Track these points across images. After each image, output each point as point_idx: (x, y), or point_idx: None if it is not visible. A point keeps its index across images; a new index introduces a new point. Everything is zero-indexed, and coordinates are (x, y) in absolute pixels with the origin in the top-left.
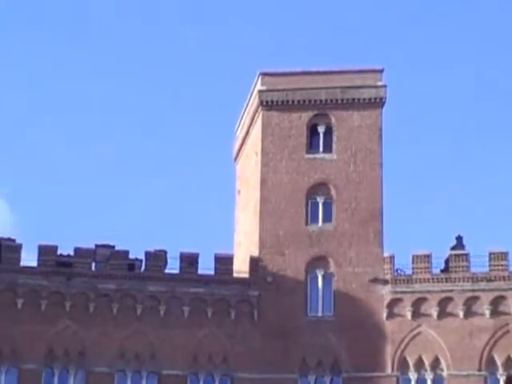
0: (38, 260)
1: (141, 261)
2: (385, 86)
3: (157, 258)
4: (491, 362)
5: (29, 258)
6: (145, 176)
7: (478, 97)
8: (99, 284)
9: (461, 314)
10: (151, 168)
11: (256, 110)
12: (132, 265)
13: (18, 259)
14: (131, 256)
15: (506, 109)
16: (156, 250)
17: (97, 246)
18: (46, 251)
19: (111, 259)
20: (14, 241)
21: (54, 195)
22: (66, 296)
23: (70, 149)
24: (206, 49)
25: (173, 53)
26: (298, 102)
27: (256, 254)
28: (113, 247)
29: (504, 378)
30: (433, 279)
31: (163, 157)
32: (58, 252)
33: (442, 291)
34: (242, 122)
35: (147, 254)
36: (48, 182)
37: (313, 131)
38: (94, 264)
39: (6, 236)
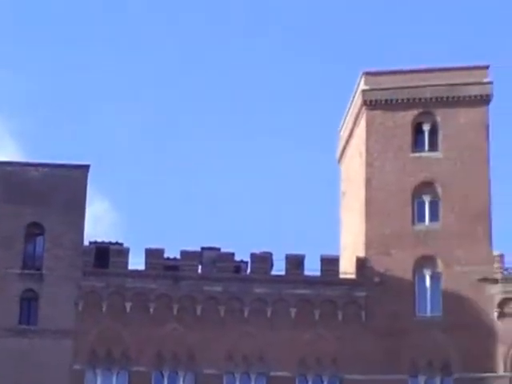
0: (146, 263)
1: (246, 263)
2: (491, 83)
3: (263, 260)
4: None
5: (136, 262)
6: (249, 178)
7: None
8: (206, 286)
9: None
10: (255, 169)
11: (359, 110)
12: (238, 267)
13: (126, 263)
14: (237, 258)
15: None
16: (262, 252)
17: (203, 248)
18: (152, 254)
19: (217, 262)
20: (121, 245)
21: (158, 199)
22: (173, 299)
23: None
24: (308, 50)
25: (276, 53)
26: (403, 100)
27: (362, 254)
28: (218, 250)
29: None
30: None
31: (268, 159)
32: (165, 255)
33: None
34: (346, 123)
35: (253, 256)
36: (152, 184)
37: (417, 130)
38: (200, 267)
39: (113, 240)
